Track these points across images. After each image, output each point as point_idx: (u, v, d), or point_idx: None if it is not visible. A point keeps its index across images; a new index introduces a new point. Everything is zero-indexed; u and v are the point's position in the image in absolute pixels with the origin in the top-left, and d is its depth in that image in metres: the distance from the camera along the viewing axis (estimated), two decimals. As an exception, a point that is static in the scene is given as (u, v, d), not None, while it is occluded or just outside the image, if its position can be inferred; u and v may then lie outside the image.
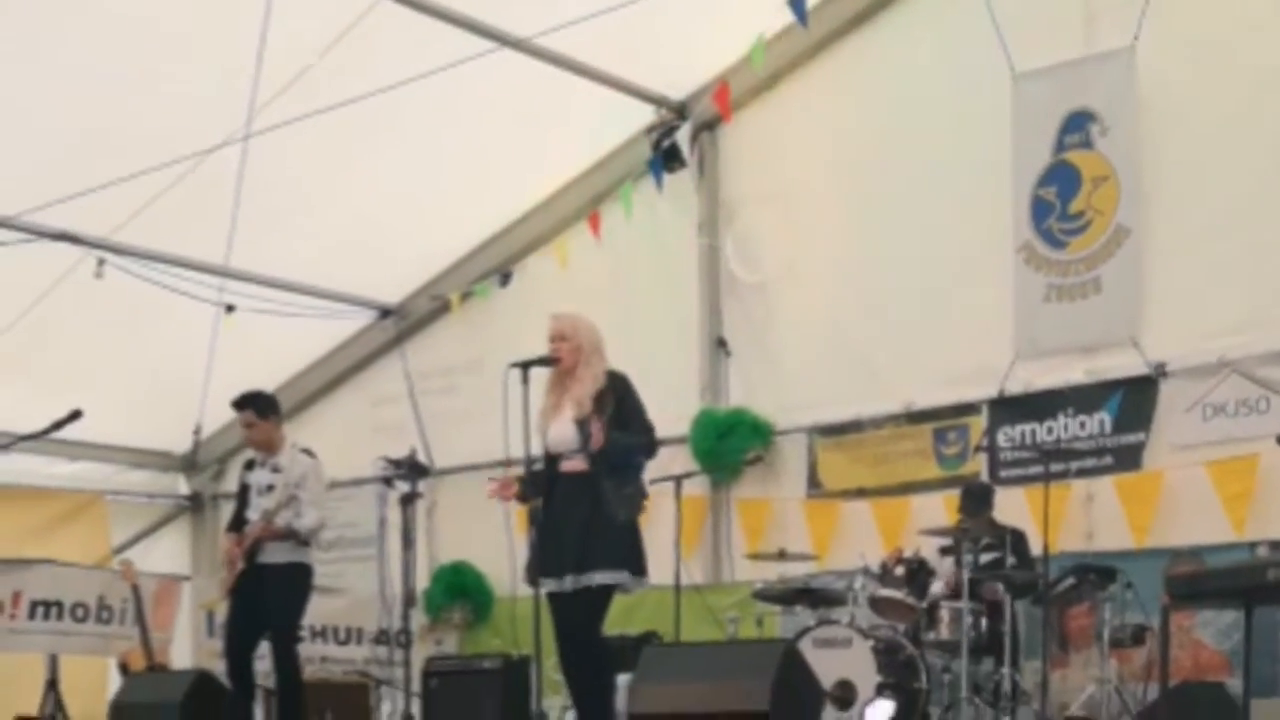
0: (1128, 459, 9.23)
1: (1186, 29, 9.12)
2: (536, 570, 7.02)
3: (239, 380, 9.91)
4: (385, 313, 12.76)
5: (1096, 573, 8.38)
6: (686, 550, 9.15)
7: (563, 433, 7.08)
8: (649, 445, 7.19)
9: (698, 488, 10.44)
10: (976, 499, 8.92)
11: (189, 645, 11.91)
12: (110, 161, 9.50)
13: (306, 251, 11.45)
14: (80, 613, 10.83)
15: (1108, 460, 9.31)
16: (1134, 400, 9.24)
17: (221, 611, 9.53)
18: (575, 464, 7.05)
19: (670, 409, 10.28)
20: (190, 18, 8.95)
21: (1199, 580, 7.37)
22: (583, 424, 7.00)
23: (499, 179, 11.35)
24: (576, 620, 6.96)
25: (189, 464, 13.52)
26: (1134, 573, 8.37)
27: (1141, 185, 9.28)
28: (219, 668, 8.84)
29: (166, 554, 13.21)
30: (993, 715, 8.16)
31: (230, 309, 11.36)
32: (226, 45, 9.11)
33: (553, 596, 7.01)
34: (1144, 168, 9.28)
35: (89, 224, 10.44)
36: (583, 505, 6.96)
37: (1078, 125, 9.53)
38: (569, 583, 6.93)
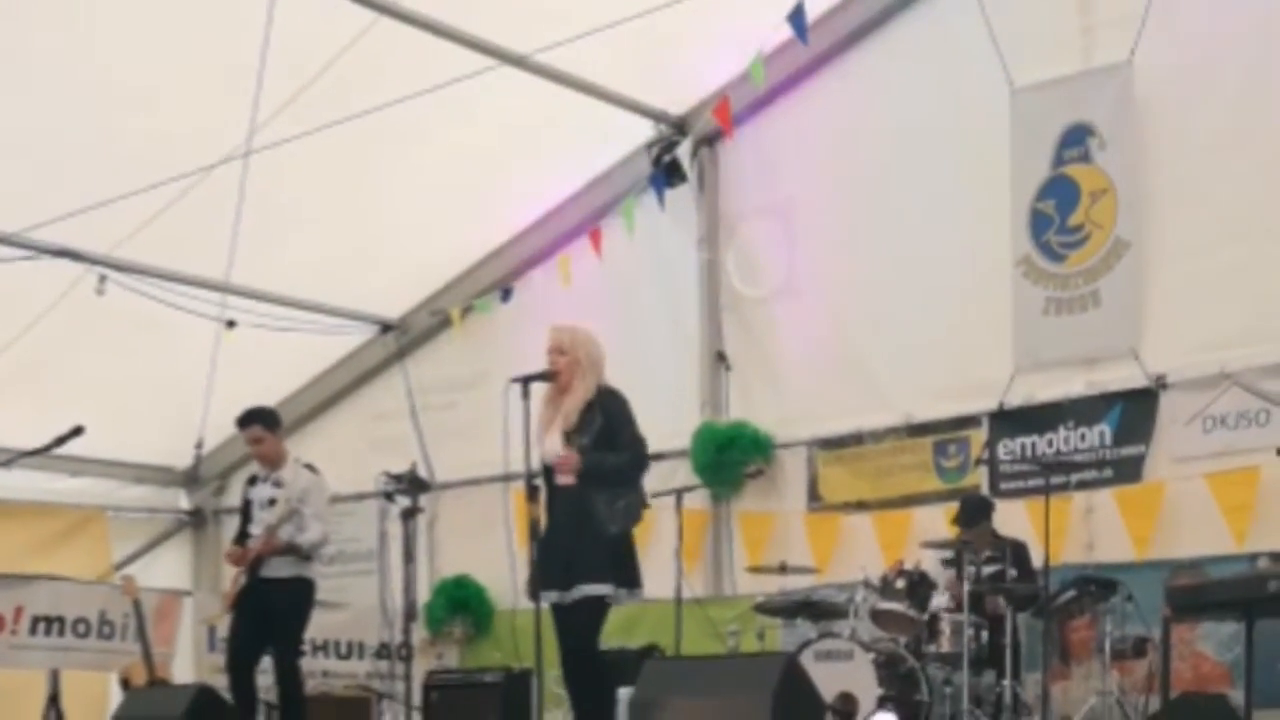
0: (1128, 471, 9.24)
1: (1183, 43, 9.13)
2: (538, 583, 7.04)
3: (240, 395, 9.95)
4: (386, 328, 12.77)
5: (1097, 585, 8.37)
6: (688, 563, 9.18)
7: (553, 447, 7.13)
8: (634, 461, 7.16)
9: (698, 501, 10.45)
10: (974, 512, 8.91)
11: (190, 660, 11.92)
12: (111, 178, 9.53)
13: (307, 267, 11.48)
14: (81, 628, 10.85)
15: (1108, 472, 9.31)
16: (1134, 412, 9.25)
17: (223, 626, 9.53)
18: (568, 477, 7.09)
19: (671, 423, 10.37)
20: (191, 35, 8.96)
21: (1200, 592, 7.39)
22: (569, 437, 7.06)
23: (500, 194, 11.38)
24: (571, 633, 6.99)
25: (190, 479, 13.52)
26: (1135, 585, 8.37)
27: (1140, 198, 9.30)
28: (220, 682, 8.85)
29: (168, 569, 13.21)
30: (994, 728, 8.18)
31: (231, 324, 11.36)
32: (227, 62, 9.13)
33: (555, 608, 7.05)
34: (1143, 181, 9.30)
35: (90, 241, 10.47)
36: (575, 519, 7.00)
37: (1076, 139, 9.55)
38: (555, 596, 6.99)
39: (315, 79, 9.39)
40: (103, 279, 10.68)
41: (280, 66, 9.07)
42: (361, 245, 11.30)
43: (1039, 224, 9.67)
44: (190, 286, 11.19)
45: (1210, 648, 8.65)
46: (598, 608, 7.01)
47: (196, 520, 13.65)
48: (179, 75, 9.24)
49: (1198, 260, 9.03)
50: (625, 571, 7.04)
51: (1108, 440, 9.34)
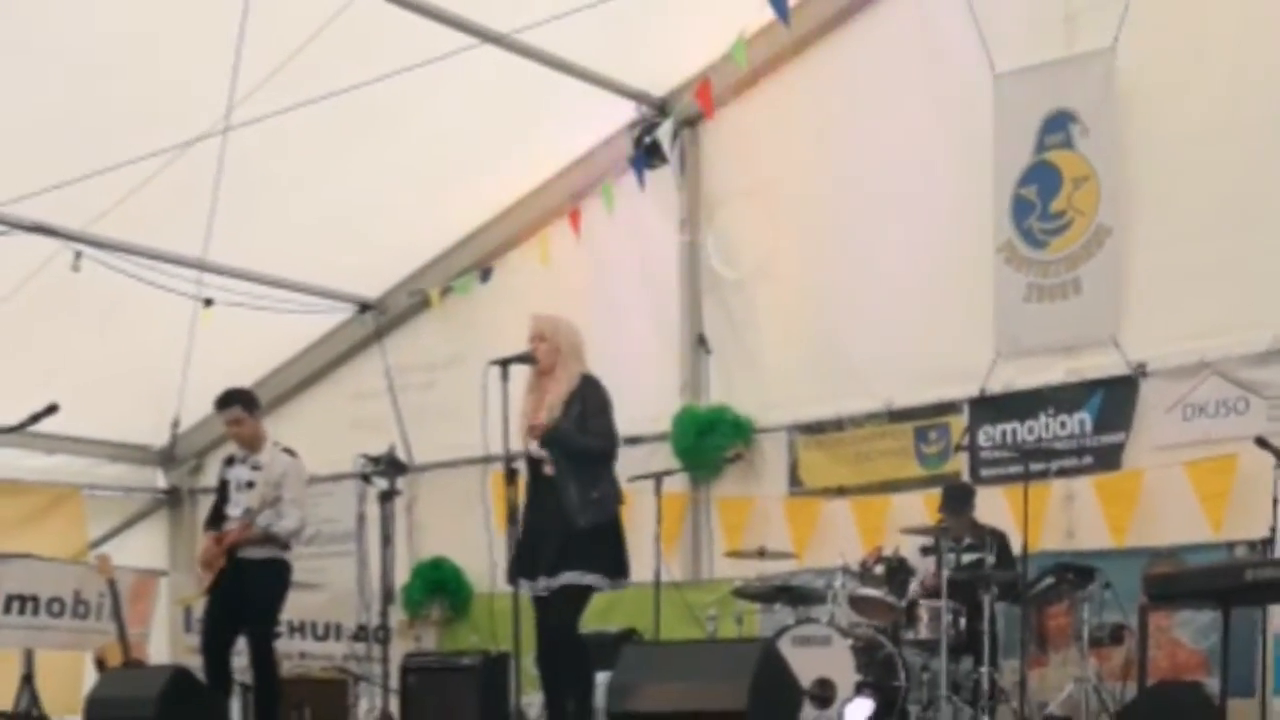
0: (1108, 459, 9.24)
1: (1166, 31, 9.13)
2: (516, 570, 7.03)
3: (217, 374, 9.90)
4: (365, 307, 12.71)
5: (1075, 572, 8.39)
6: (666, 548, 9.16)
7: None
8: (600, 446, 7.17)
9: (678, 485, 10.41)
10: (958, 499, 8.92)
11: (166, 640, 11.86)
12: (88, 153, 9.44)
13: (285, 245, 11.40)
14: (56, 607, 10.77)
15: (1088, 460, 9.32)
16: (1114, 400, 9.25)
17: (199, 607, 9.48)
18: (551, 467, 7.08)
19: (651, 406, 10.36)
20: (170, 9, 8.88)
21: (1177, 580, 7.39)
22: None
23: (480, 174, 11.32)
24: (553, 619, 6.99)
25: (166, 458, 13.46)
26: (1113, 572, 8.39)
27: (1122, 185, 9.28)
28: (196, 663, 8.79)
29: (143, 548, 13.14)
30: (971, 714, 8.18)
31: (208, 303, 11.30)
32: (206, 37, 9.06)
33: (534, 598, 7.05)
34: (1125, 168, 9.28)
35: (66, 216, 10.37)
36: (555, 509, 7.00)
37: (1058, 125, 9.53)
38: (541, 584, 6.97)
39: (294, 55, 9.31)
40: (78, 255, 10.59)
41: (259, 42, 9.00)
42: (340, 224, 11.23)
43: (1021, 210, 9.66)
44: (167, 264, 11.09)
45: (1187, 635, 8.67)
46: (580, 594, 7.02)
47: (173, 499, 13.59)
48: (157, 49, 9.16)
49: (1179, 248, 9.02)
50: (612, 561, 7.05)
51: (1088, 428, 9.34)
